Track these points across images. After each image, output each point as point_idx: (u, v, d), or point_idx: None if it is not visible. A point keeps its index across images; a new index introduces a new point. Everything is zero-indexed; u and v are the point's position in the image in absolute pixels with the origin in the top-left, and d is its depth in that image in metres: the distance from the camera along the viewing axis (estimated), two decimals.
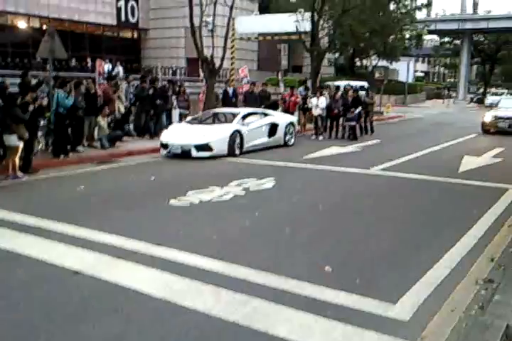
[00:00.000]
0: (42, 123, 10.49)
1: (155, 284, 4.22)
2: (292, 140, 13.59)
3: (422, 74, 66.46)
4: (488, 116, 17.98)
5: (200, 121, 12.37)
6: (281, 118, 13.58)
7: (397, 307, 3.77)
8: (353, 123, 15.08)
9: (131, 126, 14.09)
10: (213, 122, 12.29)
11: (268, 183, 8.38)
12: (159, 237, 5.45)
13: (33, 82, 11.62)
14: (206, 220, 6.24)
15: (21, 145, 8.96)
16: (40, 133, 10.70)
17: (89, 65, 26.68)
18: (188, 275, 4.36)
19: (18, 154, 8.96)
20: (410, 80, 38.48)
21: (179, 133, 11.50)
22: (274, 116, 13.35)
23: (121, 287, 4.17)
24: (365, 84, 24.05)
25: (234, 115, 12.18)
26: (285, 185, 8.46)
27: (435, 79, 75.11)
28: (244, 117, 12.13)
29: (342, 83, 23.50)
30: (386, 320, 3.58)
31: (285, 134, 13.25)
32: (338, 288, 4.09)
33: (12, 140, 8.77)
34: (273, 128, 12.81)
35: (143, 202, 7.14)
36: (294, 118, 14.47)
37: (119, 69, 24.47)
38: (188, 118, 13.14)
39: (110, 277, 4.35)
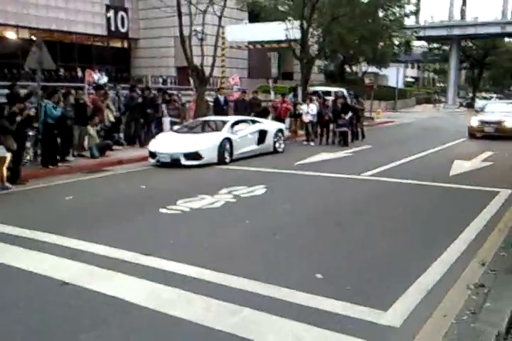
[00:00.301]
0: (31, 133, 10.44)
1: (144, 294, 4.16)
2: (281, 147, 13.56)
3: (412, 80, 66.96)
4: (474, 121, 17.81)
5: (189, 130, 12.30)
6: (270, 125, 13.58)
7: (389, 314, 3.73)
8: (344, 129, 15.10)
9: (122, 135, 14.05)
10: (202, 130, 12.22)
11: (259, 190, 8.34)
12: (149, 247, 5.39)
13: (23, 92, 11.56)
14: (197, 228, 6.19)
15: (9, 156, 8.90)
16: (29, 144, 10.65)
17: (79, 74, 26.57)
18: (178, 285, 4.30)
19: (6, 165, 8.90)
20: (400, 86, 38.71)
21: (168, 142, 11.40)
22: (263, 123, 13.34)
23: (110, 297, 4.11)
24: (343, 90, 24.05)
25: (223, 123, 12.14)
26: (276, 191, 8.43)
27: (425, 84, 75.62)
28: (233, 125, 12.10)
29: (319, 89, 23.63)
30: (377, 327, 3.54)
31: (274, 141, 13.23)
32: (330, 296, 4.05)
33: None
34: (262, 136, 12.79)
35: (133, 212, 7.07)
36: (282, 125, 14.46)
37: (104, 78, 24.35)
38: (176, 126, 13.02)
39: (99, 287, 4.29)
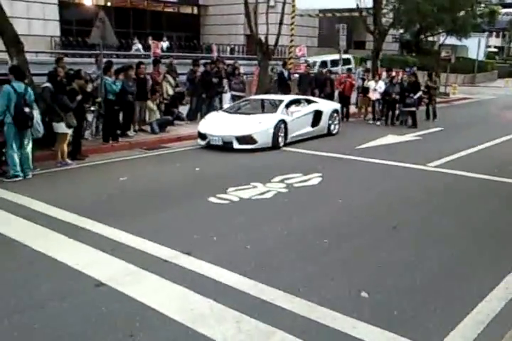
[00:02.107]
0: (93, 108, 10.51)
1: (177, 305, 3.98)
2: (336, 128, 12.73)
3: (495, 50, 62.31)
4: None
5: (241, 110, 11.57)
6: (325, 105, 12.63)
7: None
8: (412, 108, 14.18)
9: (185, 110, 13.89)
10: (255, 111, 11.41)
11: (313, 179, 7.95)
12: (191, 243, 5.23)
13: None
14: (243, 224, 5.94)
15: (70, 132, 9.02)
16: (90, 118, 10.75)
17: (150, 43, 26.63)
18: (212, 295, 4.08)
19: (67, 141, 9.04)
20: (481, 58, 36.03)
21: (219, 124, 10.78)
22: (318, 103, 12.48)
23: (140, 304, 3.96)
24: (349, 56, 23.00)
25: (276, 103, 11.38)
26: (331, 182, 7.97)
27: (510, 55, 70.13)
28: (288, 105, 11.33)
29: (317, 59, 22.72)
30: None
31: (329, 123, 12.41)
32: (372, 321, 3.69)
33: (60, 128, 8.86)
34: (317, 117, 11.97)
35: (182, 199, 6.94)
36: (337, 105, 13.45)
37: (163, 44, 24.04)
38: (226, 105, 12.44)
39: (132, 292, 4.15)
